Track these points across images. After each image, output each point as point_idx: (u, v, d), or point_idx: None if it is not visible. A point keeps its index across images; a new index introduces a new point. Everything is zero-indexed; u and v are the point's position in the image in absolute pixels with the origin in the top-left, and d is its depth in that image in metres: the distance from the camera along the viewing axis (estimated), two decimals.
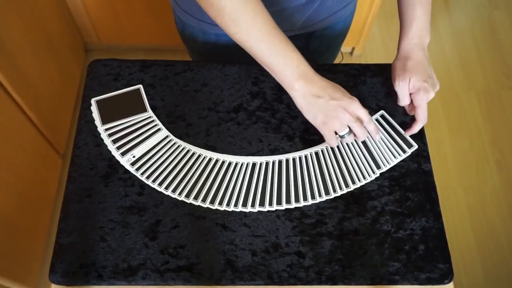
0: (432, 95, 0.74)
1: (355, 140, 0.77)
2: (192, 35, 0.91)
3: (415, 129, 0.77)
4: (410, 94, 0.75)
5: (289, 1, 0.79)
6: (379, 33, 1.92)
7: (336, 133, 0.71)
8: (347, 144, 0.77)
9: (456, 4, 2.02)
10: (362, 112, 0.70)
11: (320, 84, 0.69)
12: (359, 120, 0.70)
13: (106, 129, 0.77)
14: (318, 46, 0.96)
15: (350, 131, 0.71)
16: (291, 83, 0.68)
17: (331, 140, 0.72)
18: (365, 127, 0.71)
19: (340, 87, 0.71)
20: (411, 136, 0.78)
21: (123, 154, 0.75)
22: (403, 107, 0.81)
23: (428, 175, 0.76)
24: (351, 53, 1.88)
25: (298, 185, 0.73)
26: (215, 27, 0.80)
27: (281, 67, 0.68)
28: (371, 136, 0.76)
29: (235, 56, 0.80)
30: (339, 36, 0.99)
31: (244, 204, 0.72)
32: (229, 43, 0.79)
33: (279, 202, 0.72)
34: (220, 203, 0.72)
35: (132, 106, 0.79)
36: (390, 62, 0.80)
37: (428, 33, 0.77)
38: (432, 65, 0.76)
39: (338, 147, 0.77)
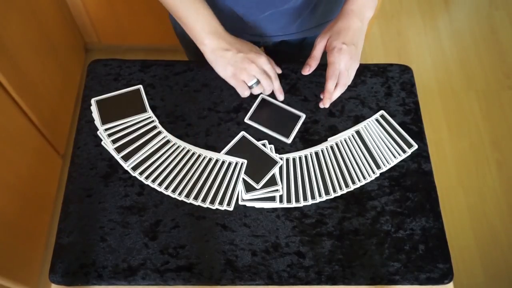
0: (347, 59, 0.73)
1: (355, 141, 0.77)
2: (183, 33, 0.91)
3: (326, 88, 0.75)
4: (327, 53, 0.75)
5: (282, 2, 0.79)
6: (379, 33, 1.92)
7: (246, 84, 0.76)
8: (347, 144, 0.77)
9: (456, 4, 2.02)
10: (269, 68, 0.75)
11: (228, 39, 0.74)
12: (266, 73, 0.75)
13: (106, 129, 0.77)
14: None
15: (258, 82, 0.76)
16: (202, 37, 0.73)
17: (242, 90, 0.77)
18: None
19: (248, 43, 0.76)
20: (411, 136, 0.78)
21: (121, 154, 0.75)
22: (402, 107, 0.81)
23: (428, 175, 0.76)
24: None
25: (298, 185, 0.73)
26: None
27: (193, 22, 0.72)
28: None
29: None
30: None
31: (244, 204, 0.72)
32: None
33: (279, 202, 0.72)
34: (220, 203, 0.72)
35: (132, 106, 0.79)
36: (390, 62, 0.79)
37: (371, 8, 0.77)
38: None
39: (338, 147, 0.77)
